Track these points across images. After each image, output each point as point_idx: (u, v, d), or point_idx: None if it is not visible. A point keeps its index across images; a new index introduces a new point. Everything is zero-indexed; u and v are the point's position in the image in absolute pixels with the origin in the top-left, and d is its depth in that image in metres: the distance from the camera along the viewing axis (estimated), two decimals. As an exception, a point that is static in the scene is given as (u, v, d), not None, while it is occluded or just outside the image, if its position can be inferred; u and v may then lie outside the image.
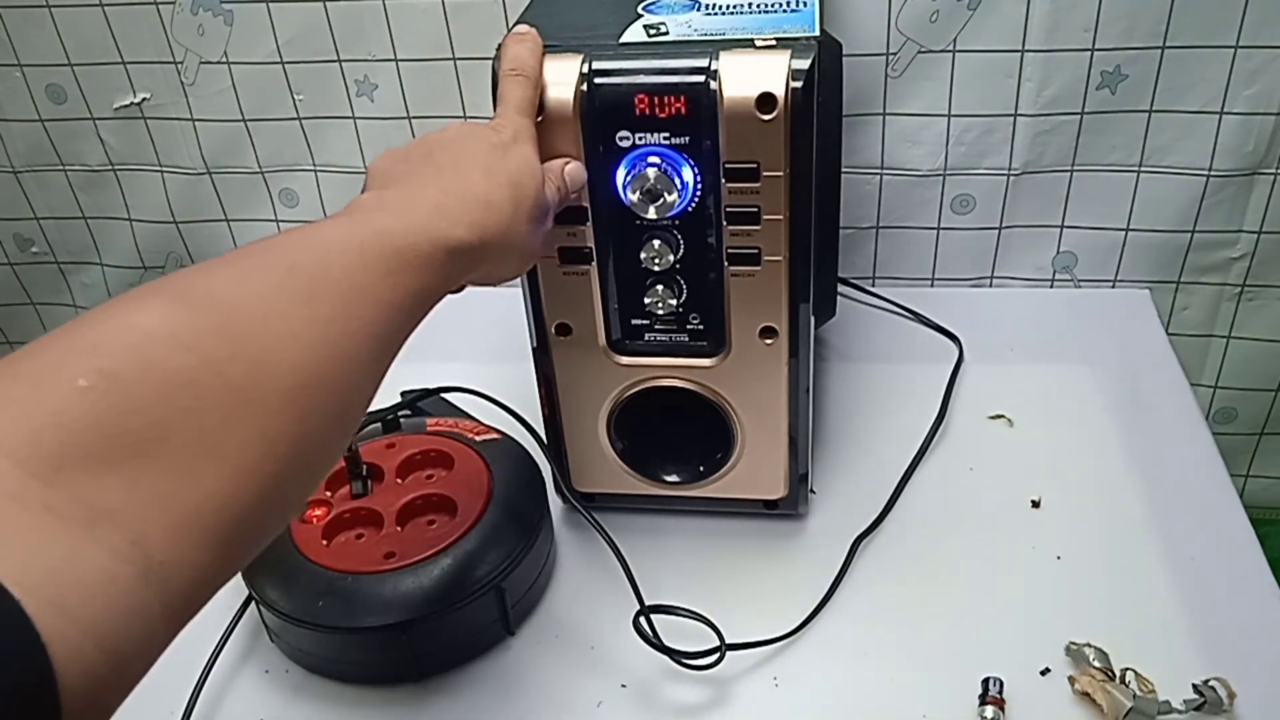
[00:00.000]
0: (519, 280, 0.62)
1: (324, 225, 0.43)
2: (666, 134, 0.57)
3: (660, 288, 0.63)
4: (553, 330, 0.65)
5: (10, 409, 0.30)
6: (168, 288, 0.36)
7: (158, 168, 1.02)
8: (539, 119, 0.57)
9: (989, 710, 0.59)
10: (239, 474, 0.34)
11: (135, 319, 0.34)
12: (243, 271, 0.38)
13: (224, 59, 0.94)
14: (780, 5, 0.61)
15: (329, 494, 0.68)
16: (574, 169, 0.58)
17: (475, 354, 0.76)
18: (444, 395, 0.81)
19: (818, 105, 0.56)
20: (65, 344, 0.33)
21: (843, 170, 0.85)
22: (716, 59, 0.56)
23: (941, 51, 0.86)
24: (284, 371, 0.36)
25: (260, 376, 0.35)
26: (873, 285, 0.98)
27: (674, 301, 0.63)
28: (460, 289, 0.54)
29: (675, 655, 0.62)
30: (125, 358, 0.32)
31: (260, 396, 0.35)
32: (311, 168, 1.00)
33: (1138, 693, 0.58)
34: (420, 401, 0.79)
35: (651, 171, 0.58)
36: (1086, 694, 0.60)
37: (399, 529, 0.66)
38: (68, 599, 0.28)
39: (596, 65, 0.57)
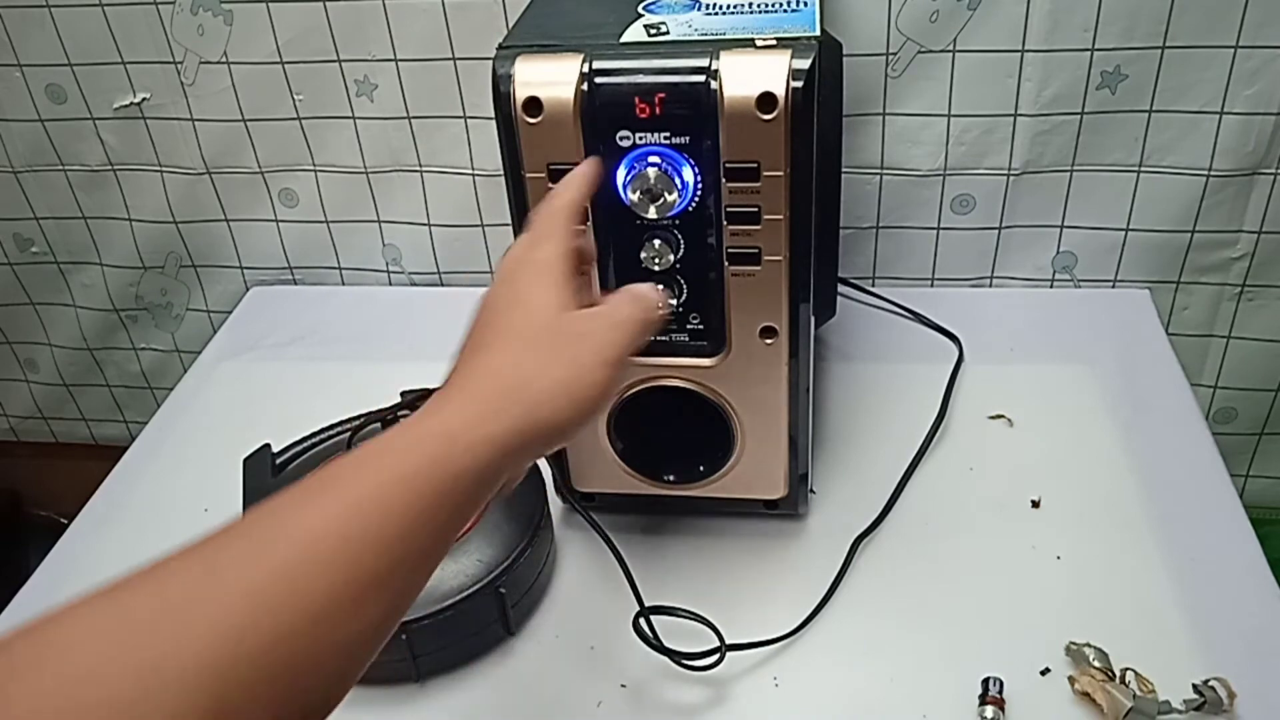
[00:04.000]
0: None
1: (374, 482, 0.41)
2: (667, 134, 0.57)
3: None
4: (553, 330, 0.65)
5: None
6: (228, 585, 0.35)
7: (158, 168, 1.02)
8: (537, 120, 0.56)
9: (989, 710, 0.59)
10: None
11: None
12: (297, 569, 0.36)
13: (224, 59, 0.94)
14: (780, 5, 0.61)
15: (329, 494, 0.68)
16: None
17: (475, 354, 0.76)
18: (444, 395, 0.80)
19: (818, 105, 0.56)
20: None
21: (843, 170, 0.85)
22: (717, 59, 0.56)
23: (941, 51, 0.86)
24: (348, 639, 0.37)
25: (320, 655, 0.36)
26: (873, 285, 0.98)
27: (674, 301, 0.63)
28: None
29: (675, 656, 0.62)
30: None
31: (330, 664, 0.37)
32: (311, 168, 1.00)
33: (1138, 693, 0.58)
34: (420, 401, 0.79)
35: (652, 171, 0.58)
36: (1086, 694, 0.60)
37: (399, 529, 0.66)
38: None
39: (597, 65, 0.57)
